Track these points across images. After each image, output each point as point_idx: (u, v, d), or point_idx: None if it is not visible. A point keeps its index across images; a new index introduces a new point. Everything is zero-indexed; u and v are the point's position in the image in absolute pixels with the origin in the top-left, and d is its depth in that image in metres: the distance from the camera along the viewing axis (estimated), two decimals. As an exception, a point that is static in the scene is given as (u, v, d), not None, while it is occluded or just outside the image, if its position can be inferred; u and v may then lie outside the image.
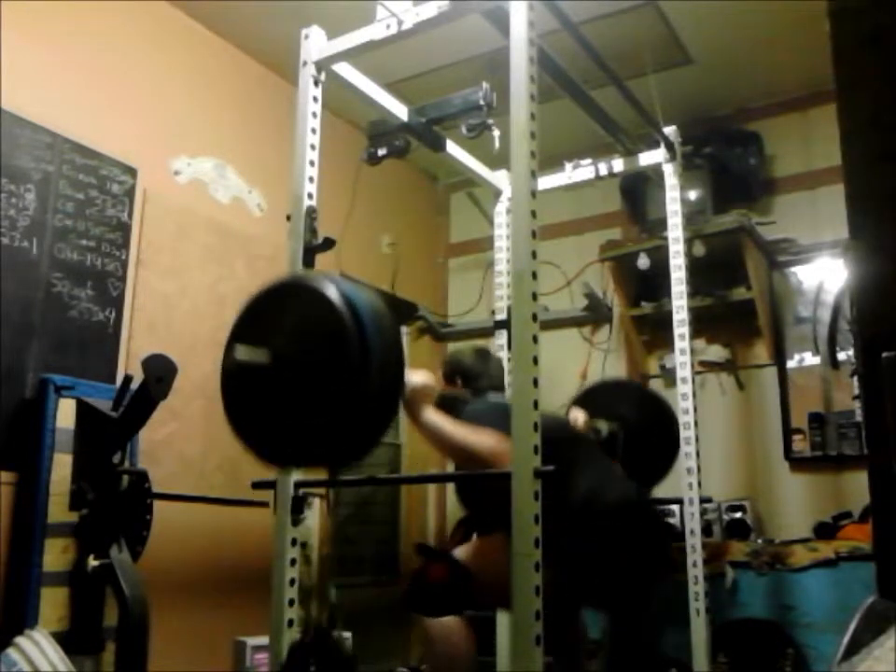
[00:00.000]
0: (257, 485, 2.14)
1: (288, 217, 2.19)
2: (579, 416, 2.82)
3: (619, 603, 2.21)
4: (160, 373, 2.39)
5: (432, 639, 2.07)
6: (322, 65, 2.28)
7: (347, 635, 1.77)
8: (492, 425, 1.96)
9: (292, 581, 1.99)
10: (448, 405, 2.18)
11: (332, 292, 1.61)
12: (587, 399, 3.10)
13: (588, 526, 1.85)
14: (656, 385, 3.91)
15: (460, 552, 2.12)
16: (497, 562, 1.92)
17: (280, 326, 1.69)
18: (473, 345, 2.72)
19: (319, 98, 2.28)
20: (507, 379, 2.67)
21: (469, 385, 2.37)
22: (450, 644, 2.03)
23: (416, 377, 2.02)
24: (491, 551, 2.09)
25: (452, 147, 2.79)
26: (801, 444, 3.62)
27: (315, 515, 3.22)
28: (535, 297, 1.74)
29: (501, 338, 3.04)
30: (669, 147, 2.93)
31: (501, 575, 1.72)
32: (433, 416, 2.01)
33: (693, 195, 3.76)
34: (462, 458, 2.03)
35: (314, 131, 2.24)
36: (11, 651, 2.23)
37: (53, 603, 2.42)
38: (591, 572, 1.97)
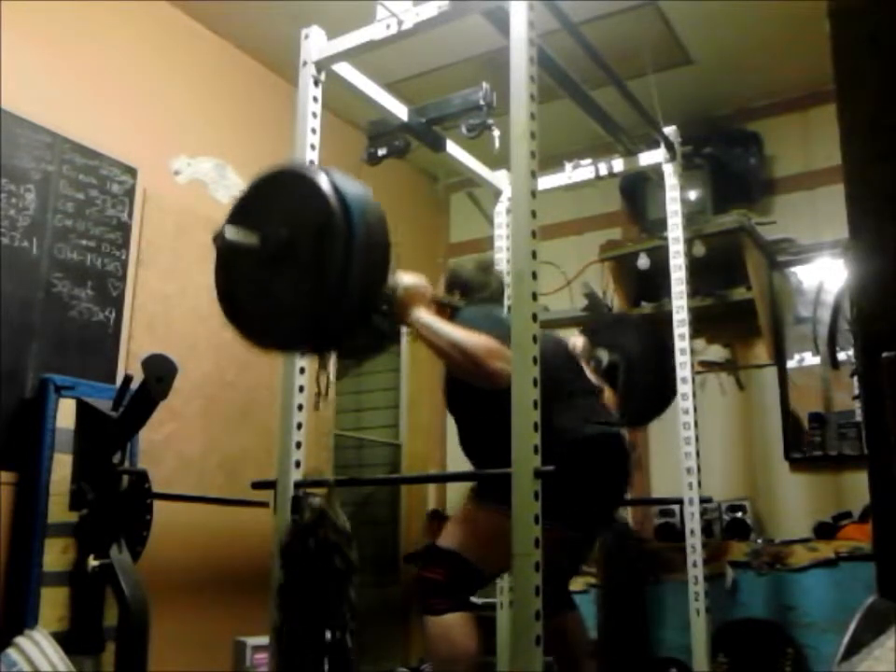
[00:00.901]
0: (257, 485, 2.13)
1: (289, 217, 2.19)
2: (578, 342, 2.82)
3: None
4: (160, 373, 2.39)
5: (432, 638, 2.06)
6: (322, 65, 2.28)
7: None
8: (485, 330, 1.97)
9: (292, 581, 1.99)
10: (442, 311, 2.20)
11: (324, 182, 1.66)
12: (590, 330, 3.12)
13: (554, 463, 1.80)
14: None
15: (442, 539, 2.12)
16: (478, 524, 2.03)
17: (272, 211, 1.74)
18: (475, 257, 2.67)
19: (319, 98, 2.28)
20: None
21: (468, 297, 2.33)
22: (449, 642, 2.01)
23: (408, 278, 2.03)
24: (468, 518, 2.12)
25: (452, 147, 2.79)
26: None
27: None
28: (535, 297, 1.73)
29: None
30: (669, 147, 2.93)
31: (486, 534, 1.75)
32: (425, 315, 2.01)
33: (693, 195, 3.76)
34: (452, 357, 2.00)
35: (314, 131, 2.24)
36: (11, 651, 2.23)
37: (53, 603, 2.42)
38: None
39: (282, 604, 1.77)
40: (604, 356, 2.91)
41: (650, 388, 2.96)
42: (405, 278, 2.03)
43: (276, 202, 1.77)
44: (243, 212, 1.81)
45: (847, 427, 3.47)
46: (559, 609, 2.35)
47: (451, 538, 2.10)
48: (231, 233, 1.71)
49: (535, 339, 1.71)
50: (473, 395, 2.03)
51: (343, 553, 1.70)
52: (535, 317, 1.72)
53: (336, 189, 1.66)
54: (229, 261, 1.81)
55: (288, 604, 1.76)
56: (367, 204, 1.70)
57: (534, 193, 1.78)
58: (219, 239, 1.71)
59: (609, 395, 2.66)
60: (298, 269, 1.69)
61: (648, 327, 3.25)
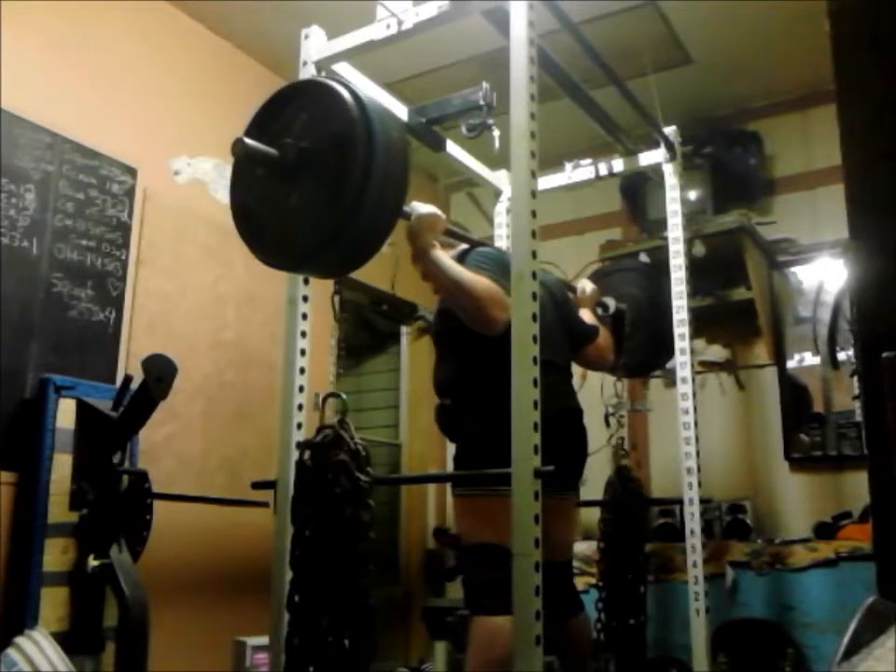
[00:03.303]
0: (257, 485, 2.13)
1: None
2: (587, 286, 2.86)
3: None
4: (160, 373, 2.39)
5: (480, 637, 2.00)
6: (322, 65, 2.28)
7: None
8: (492, 275, 2.03)
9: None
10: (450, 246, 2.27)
11: (344, 91, 1.68)
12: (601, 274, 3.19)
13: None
14: (656, 384, 3.91)
15: (480, 536, 2.10)
16: (479, 514, 2.05)
17: (291, 123, 1.74)
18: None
19: (319, 98, 2.27)
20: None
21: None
22: (497, 644, 1.93)
23: (424, 207, 2.06)
24: (471, 512, 2.14)
25: (452, 147, 2.79)
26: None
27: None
28: (535, 297, 1.73)
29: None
30: (669, 147, 2.93)
31: (495, 516, 1.83)
32: (435, 251, 2.05)
33: (693, 195, 3.76)
34: (455, 297, 2.05)
35: (314, 130, 2.24)
36: (11, 651, 2.23)
37: (53, 603, 2.42)
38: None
39: (294, 520, 1.80)
40: (611, 302, 2.92)
41: (653, 340, 2.97)
42: (421, 207, 2.05)
43: (295, 113, 1.75)
44: (261, 125, 1.80)
45: (846, 427, 3.47)
46: (569, 612, 2.35)
47: (484, 531, 2.07)
48: (251, 141, 1.71)
49: (535, 339, 1.70)
50: (467, 331, 2.07)
51: (350, 472, 1.71)
52: (535, 317, 1.72)
53: (357, 98, 1.66)
54: (245, 174, 1.81)
55: (301, 522, 1.78)
56: (386, 115, 1.71)
57: (534, 193, 1.78)
58: (239, 145, 1.70)
59: (604, 337, 2.69)
60: (316, 180, 1.67)
61: (659, 278, 3.18)
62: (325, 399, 1.85)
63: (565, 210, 4.22)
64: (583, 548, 3.28)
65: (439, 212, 2.10)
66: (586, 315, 2.74)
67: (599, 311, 2.89)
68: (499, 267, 2.05)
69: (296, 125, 1.74)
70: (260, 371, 3.45)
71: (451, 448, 4.53)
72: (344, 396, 1.80)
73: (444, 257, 2.06)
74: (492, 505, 2.00)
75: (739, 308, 3.68)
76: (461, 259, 2.18)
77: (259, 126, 1.81)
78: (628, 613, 2.86)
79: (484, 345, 2.00)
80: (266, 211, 1.78)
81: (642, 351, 3.03)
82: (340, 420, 1.76)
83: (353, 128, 1.63)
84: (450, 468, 4.38)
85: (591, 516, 3.50)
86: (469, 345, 2.12)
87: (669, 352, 2.87)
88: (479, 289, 1.99)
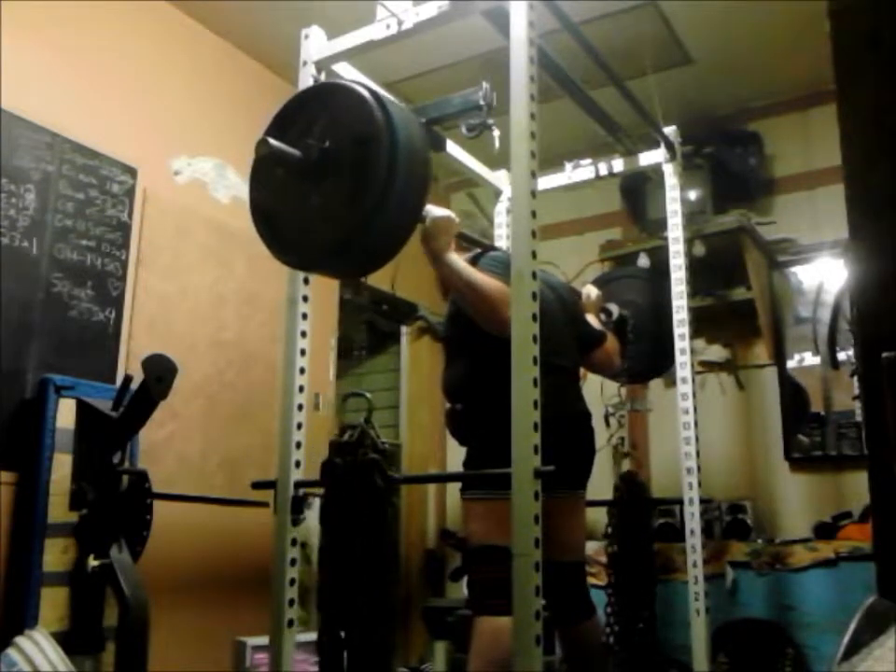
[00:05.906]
0: (257, 485, 2.14)
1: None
2: (592, 292, 2.87)
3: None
4: (160, 373, 2.39)
5: (484, 638, 2.00)
6: (322, 65, 2.28)
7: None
8: (504, 278, 2.03)
9: (292, 581, 1.99)
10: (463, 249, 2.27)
11: (366, 92, 1.70)
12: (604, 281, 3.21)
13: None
14: (656, 384, 3.91)
15: (485, 537, 2.10)
16: (489, 517, 2.05)
17: (313, 124, 1.75)
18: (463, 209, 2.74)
19: (319, 98, 2.27)
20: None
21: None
22: (500, 645, 1.92)
23: (438, 210, 2.08)
24: (481, 515, 2.13)
25: (452, 147, 2.79)
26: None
27: (314, 515, 3.22)
28: (535, 297, 1.73)
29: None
30: (669, 146, 2.93)
31: (500, 520, 1.82)
32: (449, 254, 2.07)
33: (693, 195, 3.76)
34: (469, 298, 2.08)
35: (314, 130, 2.24)
36: (11, 651, 2.23)
37: (53, 603, 2.42)
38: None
39: (323, 521, 1.83)
40: (614, 309, 2.94)
41: (655, 348, 2.99)
42: (436, 210, 2.06)
43: (315, 115, 1.77)
44: (281, 126, 1.81)
45: (846, 427, 3.47)
46: (580, 616, 2.34)
47: (493, 534, 2.06)
48: (275, 142, 1.72)
49: (535, 339, 1.70)
50: (478, 336, 2.08)
51: (383, 470, 1.73)
52: (535, 317, 1.72)
53: (378, 99, 1.68)
54: (265, 174, 1.82)
55: (328, 520, 1.80)
56: (407, 115, 1.72)
57: (534, 193, 1.78)
58: (263, 146, 1.70)
59: (611, 342, 2.71)
60: (339, 180, 1.69)
61: (661, 285, 3.17)
62: (346, 398, 1.87)
63: (565, 210, 4.22)
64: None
65: (453, 215, 2.11)
66: (590, 321, 2.75)
67: (602, 317, 2.89)
68: (509, 270, 2.07)
69: (316, 127, 1.75)
70: (260, 371, 3.45)
71: (451, 448, 4.54)
72: (369, 395, 1.81)
73: (458, 260, 2.09)
74: (501, 508, 2.00)
75: (739, 308, 3.68)
76: (472, 262, 2.20)
77: (279, 127, 1.82)
78: (642, 615, 2.86)
79: (494, 350, 1.99)
80: (286, 210, 1.80)
81: (645, 358, 3.03)
82: (366, 419, 1.77)
83: (376, 129, 1.64)
84: (450, 468, 4.39)
85: (590, 517, 3.50)
86: (478, 350, 2.13)
87: (671, 359, 2.87)
88: (491, 291, 2.02)
